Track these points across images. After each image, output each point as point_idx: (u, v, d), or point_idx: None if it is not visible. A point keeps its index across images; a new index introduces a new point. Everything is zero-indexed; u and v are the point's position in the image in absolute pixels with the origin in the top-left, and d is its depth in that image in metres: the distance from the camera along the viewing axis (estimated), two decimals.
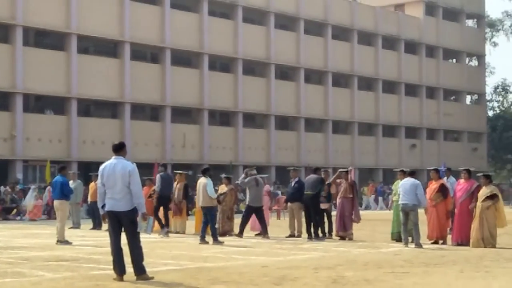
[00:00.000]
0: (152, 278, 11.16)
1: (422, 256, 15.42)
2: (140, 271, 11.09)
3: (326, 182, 20.81)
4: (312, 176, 20.74)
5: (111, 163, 11.34)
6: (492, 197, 17.89)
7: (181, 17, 49.20)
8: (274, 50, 54.30)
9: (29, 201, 33.96)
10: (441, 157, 62.20)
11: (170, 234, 21.73)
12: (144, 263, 11.19)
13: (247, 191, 21.54)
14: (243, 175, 21.81)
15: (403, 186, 18.14)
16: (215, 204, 19.65)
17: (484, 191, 18.01)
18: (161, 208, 22.16)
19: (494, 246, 17.56)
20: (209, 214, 19.14)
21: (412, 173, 18.47)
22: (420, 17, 66.51)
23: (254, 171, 22.03)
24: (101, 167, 11.43)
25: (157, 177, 22.91)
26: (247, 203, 21.57)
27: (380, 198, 50.29)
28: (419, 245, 17.53)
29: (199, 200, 19.43)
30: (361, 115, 60.55)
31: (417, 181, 18.13)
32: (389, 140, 63.32)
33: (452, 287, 10.98)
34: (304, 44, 56.43)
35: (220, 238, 19.24)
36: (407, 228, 18.00)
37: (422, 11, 66.66)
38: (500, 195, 18.23)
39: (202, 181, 19.40)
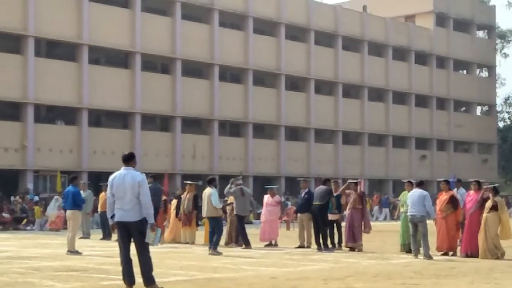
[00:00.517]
0: None
1: (432, 267, 15.38)
2: (149, 282, 11.10)
3: (335, 194, 20.77)
4: (321, 187, 20.76)
5: (120, 174, 11.37)
6: (494, 208, 17.84)
7: (192, 28, 49.33)
8: (285, 61, 54.37)
9: (52, 211, 33.95)
10: (451, 168, 62.08)
11: (179, 245, 21.81)
12: (154, 273, 11.19)
13: (234, 201, 21.66)
14: (229, 185, 21.95)
15: (411, 197, 18.12)
16: (220, 214, 19.69)
17: (489, 203, 18.01)
18: None
19: (498, 257, 17.53)
20: (215, 224, 19.18)
21: (420, 184, 18.44)
22: (430, 28, 66.48)
23: (240, 181, 22.43)
24: (111, 178, 11.46)
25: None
26: (235, 212, 21.68)
27: (386, 209, 50.17)
28: (428, 257, 17.49)
29: (204, 210, 19.49)
30: (371, 126, 60.50)
31: (425, 192, 18.10)
32: (399, 151, 63.20)
33: None
34: (314, 55, 56.48)
35: (228, 249, 19.25)
36: (417, 239, 17.97)
37: (433, 22, 66.62)
38: (505, 207, 18.18)
39: (207, 191, 19.51)
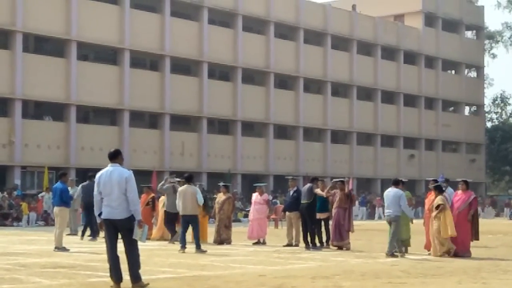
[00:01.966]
0: (147, 285, 11.13)
1: (419, 266, 15.40)
2: (136, 279, 11.05)
3: (323, 195, 20.56)
4: (307, 185, 20.77)
5: (107, 171, 11.32)
6: (438, 207, 17.89)
7: (181, 25, 49.27)
8: (274, 59, 54.38)
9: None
10: (439, 168, 62.29)
11: (167, 242, 21.78)
12: (141, 271, 11.15)
13: (166, 198, 22.15)
14: (163, 182, 22.39)
15: (386, 196, 18.05)
16: (198, 212, 19.47)
17: (436, 202, 18.06)
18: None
19: (447, 254, 17.68)
20: (193, 222, 18.95)
21: (396, 183, 18.26)
22: (419, 28, 66.65)
23: (174, 179, 22.83)
24: (97, 175, 11.40)
25: (80, 187, 25.14)
26: (164, 209, 22.00)
27: (363, 208, 50.29)
28: (391, 255, 17.54)
29: (186, 208, 18.99)
30: (360, 125, 60.61)
31: (400, 192, 17.96)
32: (387, 150, 63.36)
33: None
34: (303, 53, 56.52)
35: (216, 247, 19.18)
36: (398, 238, 17.97)
37: (422, 22, 66.79)
38: (447, 205, 18.11)
39: (190, 189, 19.13)
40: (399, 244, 18.02)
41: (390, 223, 17.97)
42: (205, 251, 18.48)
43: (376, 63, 62.41)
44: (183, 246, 18.61)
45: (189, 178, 19.58)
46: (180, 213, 19.26)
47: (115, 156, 11.43)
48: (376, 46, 62.45)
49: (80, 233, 24.27)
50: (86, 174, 26.79)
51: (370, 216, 50.26)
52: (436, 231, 17.91)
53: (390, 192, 18.04)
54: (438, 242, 17.93)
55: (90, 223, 23.40)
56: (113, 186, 11.14)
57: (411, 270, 14.64)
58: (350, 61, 60.31)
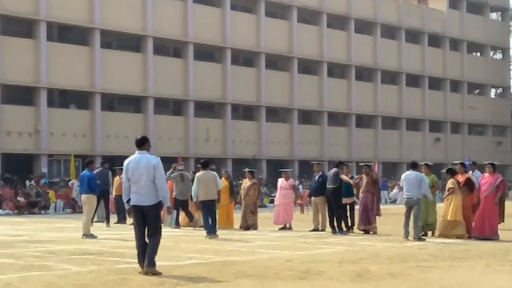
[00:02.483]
0: (160, 273, 11.08)
1: (447, 250, 15.34)
2: (150, 264, 11.04)
3: (348, 179, 20.59)
4: (332, 170, 20.71)
5: (135, 158, 11.36)
6: (449, 190, 18.33)
7: (203, 12, 49.23)
8: (297, 44, 54.21)
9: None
10: (465, 151, 61.91)
11: (193, 228, 21.87)
12: (168, 256, 11.19)
13: (174, 186, 22.06)
14: (171, 170, 22.39)
15: (406, 179, 18.12)
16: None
17: (448, 185, 18.43)
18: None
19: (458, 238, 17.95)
20: (214, 207, 19.15)
21: (414, 166, 18.36)
22: (443, 10, 66.06)
23: (182, 167, 23.51)
24: (126, 162, 11.44)
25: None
26: (173, 196, 21.86)
27: (384, 192, 49.90)
28: (418, 238, 17.67)
29: (209, 193, 19.09)
30: (384, 109, 60.33)
31: (421, 174, 18.18)
32: (413, 134, 63.05)
33: (478, 281, 10.90)
34: (327, 37, 56.27)
35: (243, 232, 19.20)
36: (409, 222, 18.12)
37: (446, 4, 66.18)
38: (458, 189, 18.31)
39: (209, 174, 19.25)
40: (407, 227, 18.07)
41: (410, 206, 18.00)
42: (217, 235, 18.53)
43: (400, 47, 62.00)
44: (209, 232, 18.66)
45: (205, 164, 19.69)
46: (201, 199, 19.21)
47: (143, 143, 11.46)
48: (400, 29, 62.03)
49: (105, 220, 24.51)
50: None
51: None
52: (443, 214, 18.25)
53: (411, 175, 18.10)
54: (444, 224, 18.21)
55: (107, 209, 24.45)
56: (141, 173, 11.17)
57: (439, 253, 14.59)
58: (374, 45, 59.96)
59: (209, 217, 19.01)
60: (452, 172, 18.73)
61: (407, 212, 18.15)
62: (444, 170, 19.33)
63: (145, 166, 11.18)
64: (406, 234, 17.96)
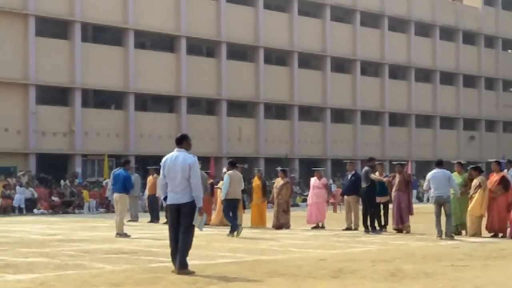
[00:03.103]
0: (193, 272, 11.08)
1: (481, 249, 15.20)
2: (182, 266, 11.03)
3: (384, 180, 20.50)
4: (364, 168, 20.63)
5: (172, 156, 11.37)
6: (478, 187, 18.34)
7: (236, 11, 49.29)
8: (330, 43, 54.06)
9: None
10: (500, 149, 61.28)
11: (226, 228, 21.89)
12: (201, 255, 11.21)
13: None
14: None
15: (435, 178, 18.08)
16: None
17: (475, 183, 18.48)
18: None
19: (476, 234, 18.15)
20: (238, 206, 19.60)
21: (440, 163, 18.40)
22: (478, 7, 65.44)
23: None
24: (163, 159, 11.47)
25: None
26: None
27: (414, 191, 49.43)
28: (450, 237, 17.66)
29: (237, 192, 19.70)
30: (418, 107, 59.94)
31: (448, 172, 18.26)
32: (447, 132, 62.55)
33: None
34: (360, 36, 56.04)
35: (275, 231, 19.21)
36: (440, 220, 18.15)
37: (481, 0, 65.55)
38: (485, 185, 18.41)
39: (236, 174, 19.66)
40: (439, 226, 18.08)
41: (440, 204, 18.02)
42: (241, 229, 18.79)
43: (434, 44, 61.54)
44: (235, 230, 18.71)
45: (234, 163, 20.12)
46: (231, 197, 19.58)
47: (181, 141, 11.48)
48: (434, 26, 61.57)
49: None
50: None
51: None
52: (470, 210, 18.35)
53: (438, 173, 18.11)
54: (470, 221, 18.33)
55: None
56: (177, 171, 11.18)
57: (473, 252, 14.46)
58: (408, 43, 59.58)
59: (234, 215, 19.34)
60: (479, 170, 18.87)
61: (437, 210, 18.10)
62: (470, 167, 19.28)
63: (181, 164, 11.19)
64: (440, 233, 17.88)
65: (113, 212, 21.09)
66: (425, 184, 18.79)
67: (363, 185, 20.29)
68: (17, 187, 34.55)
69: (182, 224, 11.17)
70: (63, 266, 12.09)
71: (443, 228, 17.88)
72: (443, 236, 17.71)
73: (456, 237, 18.30)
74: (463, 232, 18.97)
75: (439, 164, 18.41)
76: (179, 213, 11.21)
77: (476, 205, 18.18)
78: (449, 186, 18.03)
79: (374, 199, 20.17)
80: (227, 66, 48.57)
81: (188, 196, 11.17)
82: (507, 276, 11.21)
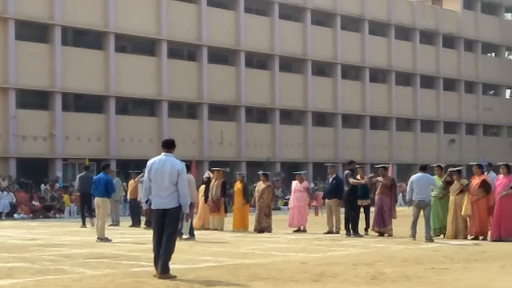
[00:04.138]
0: (175, 277, 11.08)
1: (462, 252, 15.28)
2: (164, 270, 11.01)
3: (363, 182, 20.53)
4: (345, 172, 20.68)
5: (160, 159, 11.31)
6: (462, 190, 18.71)
7: (217, 15, 49.28)
8: (311, 46, 54.17)
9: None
10: (481, 152, 61.64)
11: (208, 231, 21.88)
12: (183, 259, 11.20)
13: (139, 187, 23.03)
14: (141, 173, 22.66)
15: (418, 182, 18.42)
16: None
17: (455, 186, 18.80)
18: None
19: (466, 238, 18.49)
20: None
21: (424, 168, 18.87)
22: (458, 10, 65.82)
23: None
24: (150, 162, 11.38)
25: (77, 178, 26.27)
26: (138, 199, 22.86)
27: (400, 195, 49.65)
28: (430, 239, 17.91)
29: (193, 196, 19.33)
30: (399, 110, 60.17)
31: (431, 177, 18.81)
32: (427, 135, 62.84)
33: (494, 283, 10.85)
34: (341, 39, 56.20)
35: (257, 235, 19.20)
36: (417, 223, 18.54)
37: (460, 4, 65.94)
38: (468, 188, 18.80)
39: (191, 177, 19.30)
40: (415, 228, 18.44)
41: (421, 208, 18.34)
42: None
43: (414, 48, 61.83)
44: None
45: (188, 167, 19.89)
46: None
47: (171, 146, 11.45)
48: (414, 30, 61.86)
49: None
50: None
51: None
52: (460, 215, 18.68)
53: (423, 177, 18.46)
54: (463, 225, 18.66)
55: (82, 212, 25.63)
56: (165, 175, 11.14)
57: (454, 255, 14.54)
58: (388, 47, 59.82)
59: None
60: (458, 173, 19.20)
61: (417, 213, 18.43)
62: (454, 169, 19.52)
63: (169, 169, 11.15)
64: (414, 235, 18.29)
65: (94, 216, 21.02)
66: (408, 186, 18.91)
67: (345, 188, 20.34)
68: (0, 192, 34.36)
69: (166, 229, 11.14)
70: (43, 271, 12.03)
71: (419, 230, 18.17)
72: (418, 239, 18.02)
73: (437, 239, 18.42)
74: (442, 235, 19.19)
75: (423, 168, 18.77)
76: (164, 218, 11.18)
77: (464, 207, 18.57)
78: (430, 191, 18.45)
79: (353, 202, 20.18)
80: (208, 69, 48.54)
81: (175, 201, 11.16)
82: (487, 278, 11.27)
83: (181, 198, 11.15)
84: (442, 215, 19.15)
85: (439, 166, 19.90)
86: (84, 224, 25.09)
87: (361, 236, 19.89)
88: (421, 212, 18.45)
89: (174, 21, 46.75)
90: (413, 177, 18.72)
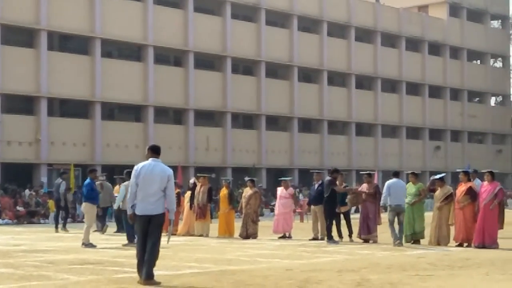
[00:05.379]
0: (159, 283, 11.01)
1: (446, 259, 15.32)
2: (148, 276, 10.93)
3: (342, 188, 20.53)
4: (326, 179, 20.61)
5: (149, 164, 11.22)
6: (447, 198, 19.04)
7: (204, 21, 49.30)
8: (297, 53, 54.27)
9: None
10: (466, 159, 61.90)
11: (193, 237, 21.84)
12: (168, 265, 11.18)
13: None
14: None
15: (394, 187, 18.93)
16: None
17: (440, 193, 19.10)
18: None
19: (446, 244, 18.72)
20: None
21: (397, 174, 19.66)
22: (444, 18, 66.17)
23: (102, 177, 26.39)
24: (138, 166, 11.24)
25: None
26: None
27: None
28: (400, 244, 18.39)
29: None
30: (384, 117, 60.36)
31: (404, 183, 19.59)
32: (413, 142, 63.05)
33: None
34: (327, 46, 56.33)
35: (243, 241, 19.17)
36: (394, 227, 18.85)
37: (446, 12, 66.31)
38: (453, 197, 19.08)
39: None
40: (395, 233, 18.69)
41: (397, 213, 18.79)
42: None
43: (400, 55, 62.08)
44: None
45: (129, 173, 19.83)
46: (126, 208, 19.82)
47: (159, 152, 11.41)
48: (400, 37, 62.11)
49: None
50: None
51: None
52: (444, 222, 18.97)
53: (399, 183, 19.06)
54: (446, 233, 18.88)
55: (57, 218, 26.60)
56: (154, 180, 11.08)
57: (438, 262, 14.57)
58: (374, 53, 60.03)
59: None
60: (441, 180, 19.46)
61: (393, 219, 18.82)
62: (435, 177, 19.79)
63: (159, 174, 11.10)
64: (396, 238, 18.59)
65: (79, 222, 20.95)
66: (384, 191, 19.06)
67: (325, 194, 20.19)
68: None
69: (151, 235, 11.08)
70: (27, 277, 11.97)
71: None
72: (396, 241, 18.44)
73: (416, 245, 18.55)
74: (421, 241, 19.27)
75: (396, 174, 19.62)
76: (149, 224, 11.13)
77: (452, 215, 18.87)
78: (404, 196, 18.96)
79: (331, 209, 20.01)
80: (195, 75, 48.53)
81: (161, 208, 11.14)
82: (471, 285, 11.31)
83: (169, 204, 11.18)
84: (413, 222, 19.30)
85: (413, 173, 20.01)
86: (56, 229, 25.97)
87: (336, 242, 19.65)
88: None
89: (161, 26, 46.74)
90: (389, 182, 19.15)
